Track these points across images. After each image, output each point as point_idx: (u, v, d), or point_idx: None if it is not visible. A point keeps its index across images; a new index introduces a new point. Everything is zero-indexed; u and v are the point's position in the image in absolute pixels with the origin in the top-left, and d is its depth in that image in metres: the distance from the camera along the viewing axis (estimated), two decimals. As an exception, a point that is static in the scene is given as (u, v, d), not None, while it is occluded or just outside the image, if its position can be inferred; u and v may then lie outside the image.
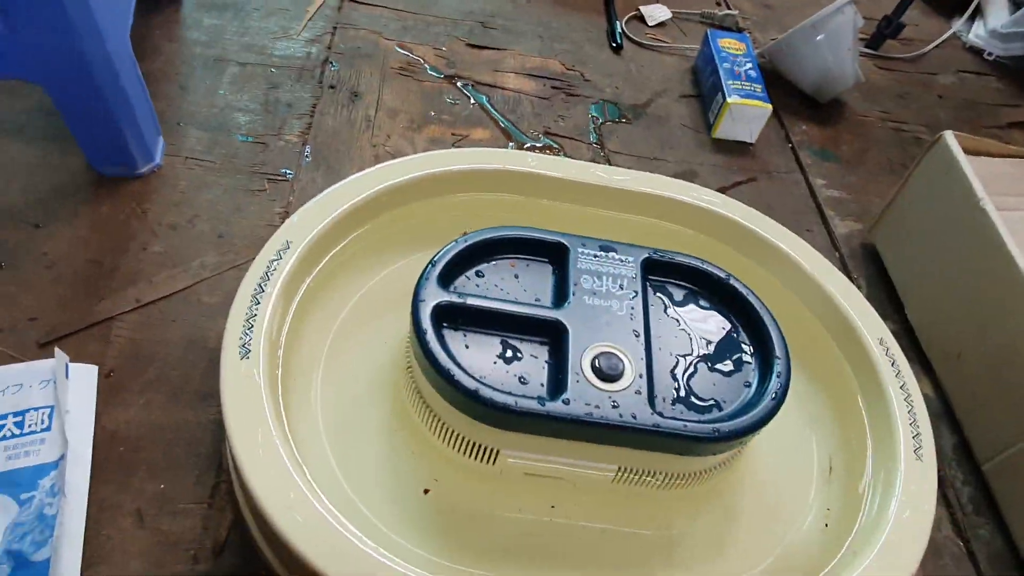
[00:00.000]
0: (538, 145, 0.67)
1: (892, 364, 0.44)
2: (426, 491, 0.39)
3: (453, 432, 0.39)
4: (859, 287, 0.61)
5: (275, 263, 0.42)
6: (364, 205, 0.46)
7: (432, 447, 0.40)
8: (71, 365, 0.42)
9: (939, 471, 0.48)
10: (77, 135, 0.52)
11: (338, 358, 0.43)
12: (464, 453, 0.39)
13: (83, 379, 0.42)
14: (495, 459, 0.39)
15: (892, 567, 0.36)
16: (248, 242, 0.53)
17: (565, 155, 0.67)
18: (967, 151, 0.51)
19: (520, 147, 0.66)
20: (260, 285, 0.40)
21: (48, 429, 0.38)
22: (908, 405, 0.43)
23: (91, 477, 0.39)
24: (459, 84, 0.71)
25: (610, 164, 0.67)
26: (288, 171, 0.59)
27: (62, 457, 0.38)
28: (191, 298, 0.49)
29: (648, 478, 0.39)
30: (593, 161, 0.67)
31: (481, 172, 0.50)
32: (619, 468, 0.39)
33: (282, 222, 0.49)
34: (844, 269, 0.62)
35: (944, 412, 0.52)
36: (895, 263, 0.58)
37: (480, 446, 0.38)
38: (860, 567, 0.36)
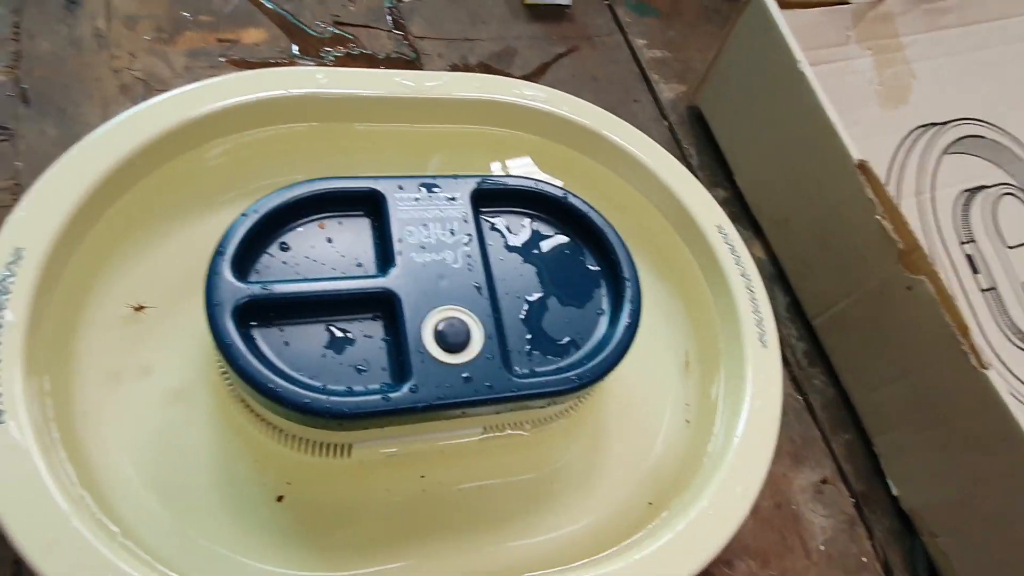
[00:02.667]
0: (326, 38, 0.56)
1: (732, 251, 0.44)
2: (280, 498, 0.35)
3: (295, 437, 0.34)
4: (689, 156, 0.60)
5: (9, 282, 0.32)
6: (108, 180, 0.36)
7: (276, 451, 0.35)
8: None
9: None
10: None
11: (134, 378, 0.35)
12: (314, 454, 0.35)
13: None
14: (350, 452, 0.35)
15: (753, 456, 0.38)
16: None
17: (361, 50, 0.57)
18: (784, 5, 0.49)
19: (304, 47, 0.55)
20: (-6, 319, 0.31)
21: None
22: (750, 292, 0.43)
23: None
24: (213, -31, 0.57)
25: (416, 53, 0.58)
26: (6, 125, 0.45)
27: None
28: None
29: (516, 430, 0.37)
30: (397, 52, 0.58)
31: (261, 103, 0.41)
32: (484, 428, 0.36)
33: (13, 200, 0.38)
34: (673, 138, 0.60)
35: (777, 274, 0.54)
36: (721, 128, 0.57)
37: (330, 445, 0.34)
38: (725, 462, 0.38)
